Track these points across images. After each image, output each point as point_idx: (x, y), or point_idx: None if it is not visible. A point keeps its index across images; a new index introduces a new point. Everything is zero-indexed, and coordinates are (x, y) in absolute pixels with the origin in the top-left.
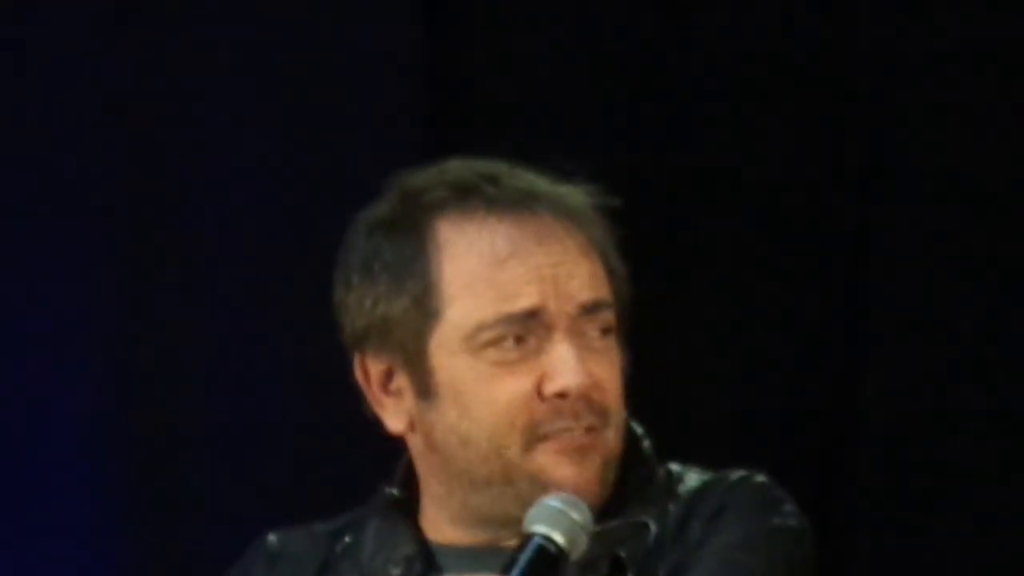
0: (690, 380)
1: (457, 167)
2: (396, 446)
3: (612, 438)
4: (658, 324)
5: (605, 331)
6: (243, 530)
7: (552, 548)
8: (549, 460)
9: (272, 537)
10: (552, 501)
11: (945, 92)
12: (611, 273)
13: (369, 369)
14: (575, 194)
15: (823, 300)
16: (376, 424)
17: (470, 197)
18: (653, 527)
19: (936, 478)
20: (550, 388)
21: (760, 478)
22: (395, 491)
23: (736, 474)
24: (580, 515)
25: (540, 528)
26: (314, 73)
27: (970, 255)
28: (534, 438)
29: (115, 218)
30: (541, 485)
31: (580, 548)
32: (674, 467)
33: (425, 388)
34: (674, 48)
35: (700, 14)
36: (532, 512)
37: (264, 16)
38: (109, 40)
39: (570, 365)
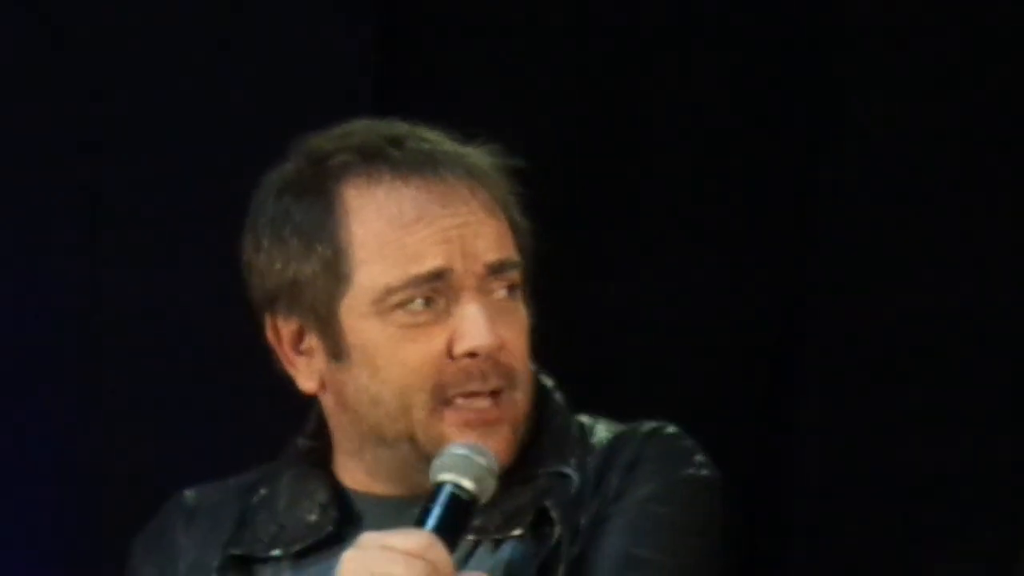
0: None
1: (361, 129)
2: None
3: (519, 399)
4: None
5: (511, 289)
6: None
7: (463, 495)
8: (452, 432)
9: (188, 493)
10: (457, 448)
11: (892, 56)
12: (516, 231)
13: (280, 329)
14: (478, 154)
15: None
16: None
17: (375, 161)
18: (575, 478)
19: (874, 460)
20: (460, 348)
21: (671, 429)
22: (308, 441)
23: (647, 425)
24: (486, 459)
25: (448, 476)
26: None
27: (911, 232)
28: (441, 401)
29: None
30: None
31: (489, 492)
32: (584, 419)
33: (336, 350)
34: (622, 11)
35: None
36: (438, 461)
37: None
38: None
39: (479, 324)
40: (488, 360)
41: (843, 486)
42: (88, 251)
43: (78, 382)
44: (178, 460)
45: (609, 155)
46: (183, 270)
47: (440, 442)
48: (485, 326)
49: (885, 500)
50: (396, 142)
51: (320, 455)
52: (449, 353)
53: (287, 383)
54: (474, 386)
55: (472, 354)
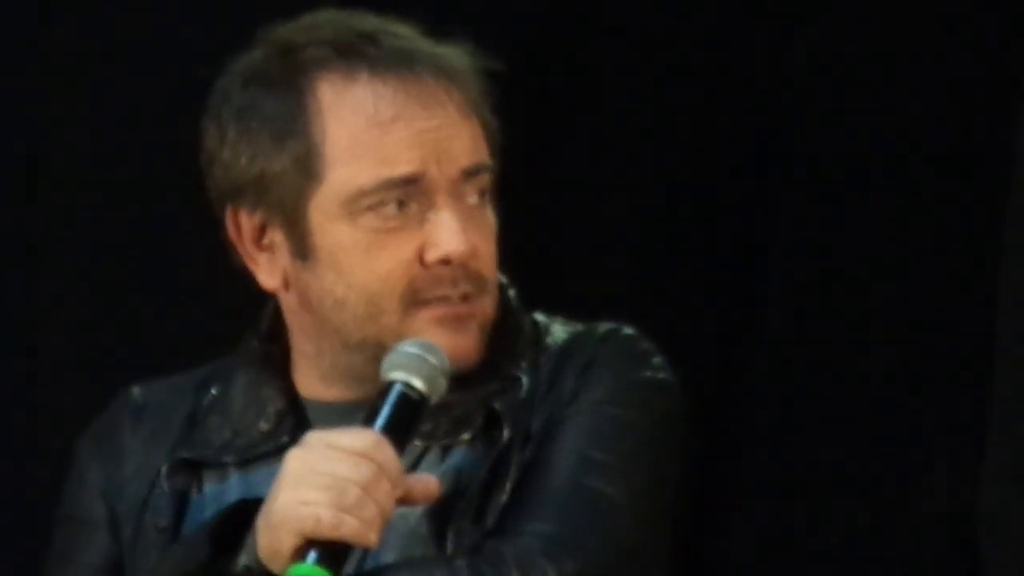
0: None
1: (332, 21)
2: None
3: (488, 303)
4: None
5: (481, 194)
6: None
7: (413, 394)
8: (426, 328)
9: (136, 390)
10: (408, 347)
11: (842, 59)
12: (487, 132)
13: (241, 223)
14: (454, 54)
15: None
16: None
17: (351, 57)
18: (525, 381)
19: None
20: (433, 255)
21: (628, 331)
22: (263, 344)
23: (604, 327)
24: (437, 359)
25: (399, 375)
26: None
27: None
28: (412, 304)
29: None
30: None
31: (439, 391)
32: (540, 317)
33: (302, 249)
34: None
35: None
36: (389, 359)
37: None
38: None
39: (453, 231)
40: (460, 267)
41: (802, 397)
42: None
43: None
44: None
45: (574, 73)
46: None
47: None
48: (459, 233)
49: (842, 408)
50: (371, 38)
51: (275, 359)
52: (420, 259)
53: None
54: (444, 291)
55: (445, 261)
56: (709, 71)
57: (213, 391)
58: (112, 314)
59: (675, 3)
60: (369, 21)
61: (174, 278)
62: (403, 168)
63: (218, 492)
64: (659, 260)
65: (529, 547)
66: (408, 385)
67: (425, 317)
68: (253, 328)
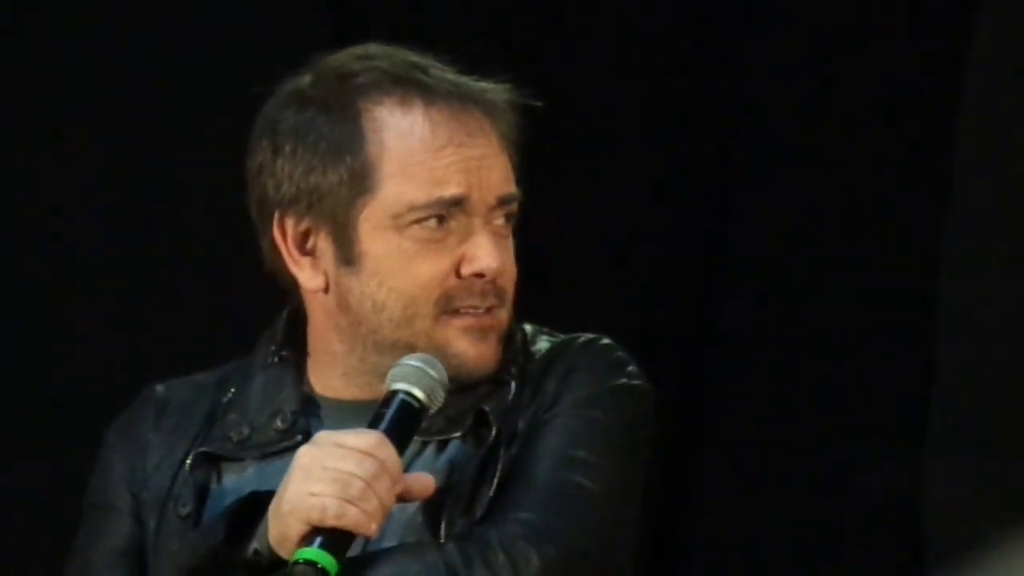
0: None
1: (381, 53)
2: None
3: (506, 316)
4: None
5: (508, 219)
6: None
7: (414, 403)
8: (455, 335)
9: (159, 388)
10: (411, 360)
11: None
12: (513, 167)
13: (287, 229)
14: (498, 91)
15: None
16: None
17: (407, 84)
18: (513, 385)
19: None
20: (469, 269)
21: (605, 341)
22: (279, 348)
23: (584, 337)
24: (436, 372)
25: (402, 385)
26: None
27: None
28: (444, 311)
29: None
30: (442, 353)
31: (438, 402)
32: (528, 328)
33: (348, 255)
34: None
35: None
36: (394, 371)
37: None
38: None
39: (488, 251)
40: (490, 282)
41: (756, 396)
42: None
43: None
44: None
45: (554, 97)
46: None
47: (439, 347)
48: (493, 252)
49: (793, 406)
50: (422, 69)
51: (290, 363)
52: (456, 271)
53: None
54: (474, 301)
55: (480, 275)
56: (671, 96)
57: (232, 390)
58: (136, 316)
59: (641, 30)
60: (414, 55)
61: (193, 284)
62: (452, 190)
63: (236, 484)
64: (628, 278)
65: (513, 533)
66: (410, 395)
67: (455, 325)
68: (267, 334)
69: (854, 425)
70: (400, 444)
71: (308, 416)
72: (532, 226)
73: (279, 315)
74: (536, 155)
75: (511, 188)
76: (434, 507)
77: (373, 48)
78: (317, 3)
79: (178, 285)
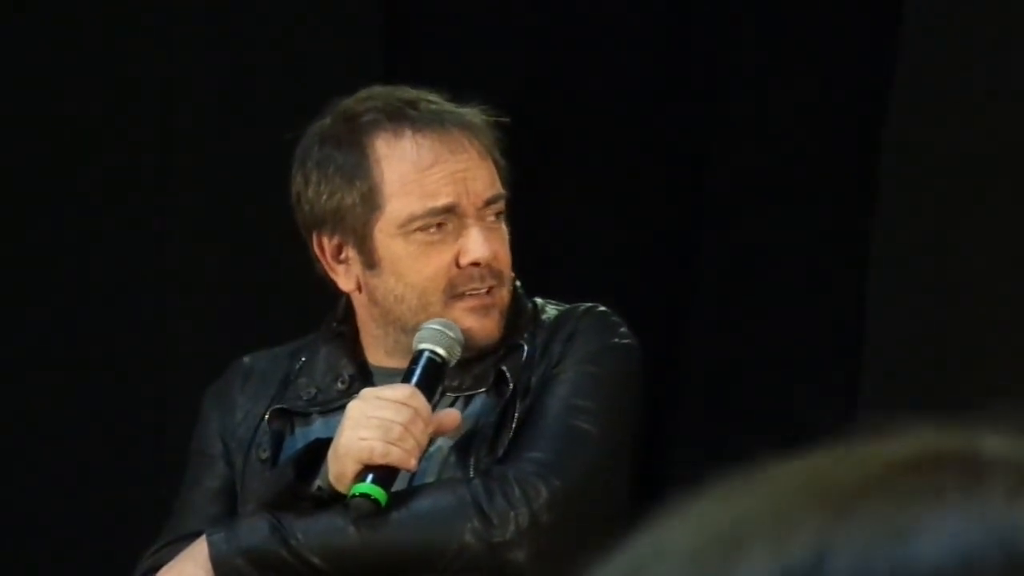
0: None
1: (381, 94)
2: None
3: (505, 294)
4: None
5: (498, 214)
6: None
7: (437, 359)
8: (462, 314)
9: (246, 359)
10: (432, 324)
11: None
12: (499, 169)
13: (324, 245)
14: (473, 113)
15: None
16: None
17: (398, 119)
18: (526, 348)
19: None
20: (465, 259)
21: (602, 308)
22: (339, 326)
23: (584, 306)
24: (453, 332)
25: (426, 345)
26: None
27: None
28: (451, 296)
29: None
30: None
31: (456, 357)
32: (538, 300)
33: (370, 260)
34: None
35: None
36: (418, 335)
37: None
38: None
39: (479, 243)
40: (485, 267)
41: (725, 357)
42: None
43: None
44: None
45: (553, 112)
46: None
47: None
48: (483, 244)
49: (753, 367)
50: (412, 104)
51: (348, 338)
52: (456, 263)
53: None
54: (475, 285)
55: (475, 263)
56: (654, 127)
57: (303, 359)
58: (229, 303)
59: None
60: (409, 92)
61: (273, 279)
62: (442, 200)
63: (305, 433)
64: (619, 258)
65: (526, 469)
66: (433, 352)
67: (461, 307)
68: (331, 315)
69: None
70: (429, 393)
71: (362, 379)
72: (544, 225)
73: (340, 299)
74: (535, 159)
75: (496, 190)
76: (464, 449)
77: (376, 90)
78: (370, 45)
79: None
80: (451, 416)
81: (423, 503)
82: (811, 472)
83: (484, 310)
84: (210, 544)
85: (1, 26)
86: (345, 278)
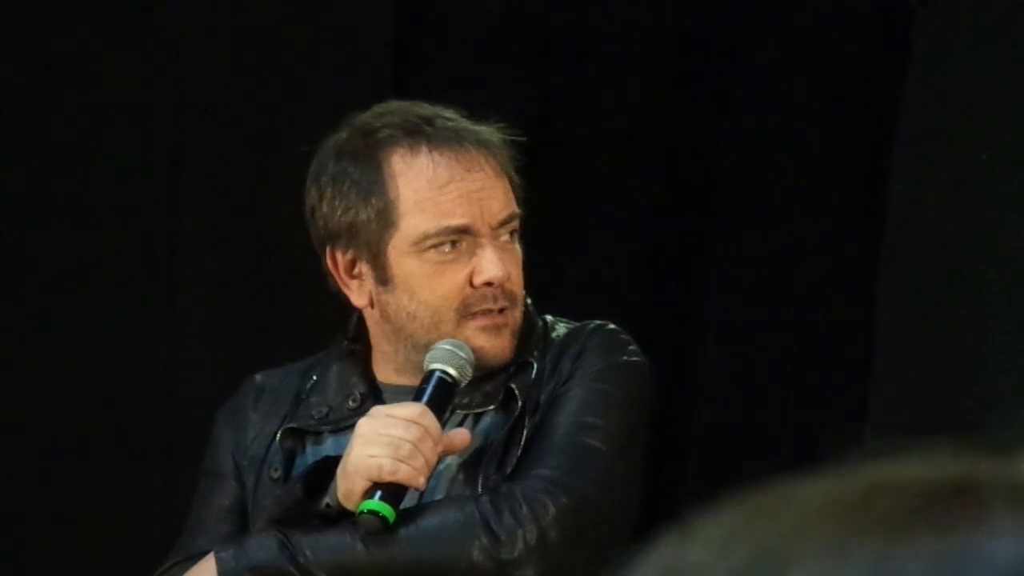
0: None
1: (398, 109)
2: None
3: (518, 314)
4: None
5: (512, 233)
6: None
7: (448, 378)
8: (474, 333)
9: (258, 376)
10: (444, 344)
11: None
12: (514, 187)
13: (338, 259)
14: (490, 131)
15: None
16: None
17: (415, 135)
18: (535, 365)
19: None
20: (480, 279)
21: (611, 326)
22: (350, 343)
23: (593, 323)
24: (464, 353)
25: (437, 365)
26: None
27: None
28: (464, 316)
29: None
30: None
31: (467, 377)
32: (548, 318)
33: (383, 277)
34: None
35: None
36: (430, 354)
37: None
38: None
39: (494, 263)
40: (498, 288)
41: (736, 375)
42: None
43: None
44: None
45: (561, 128)
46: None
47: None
48: (498, 264)
49: (764, 386)
50: (428, 121)
51: (360, 355)
52: (470, 282)
53: None
54: (488, 304)
55: (489, 283)
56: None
57: (314, 377)
58: (239, 319)
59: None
60: (425, 108)
61: (285, 292)
62: (457, 220)
63: (317, 451)
64: (631, 277)
65: (534, 486)
66: (444, 372)
67: (474, 326)
68: (342, 332)
69: (806, 402)
70: (439, 412)
71: (373, 398)
72: (555, 247)
73: (351, 316)
74: (544, 175)
75: (511, 209)
76: (473, 465)
77: (392, 105)
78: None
79: (275, 299)
80: (461, 435)
81: (431, 520)
82: (850, 495)
83: (496, 330)
84: (218, 561)
85: (15, 33)
86: (358, 294)
